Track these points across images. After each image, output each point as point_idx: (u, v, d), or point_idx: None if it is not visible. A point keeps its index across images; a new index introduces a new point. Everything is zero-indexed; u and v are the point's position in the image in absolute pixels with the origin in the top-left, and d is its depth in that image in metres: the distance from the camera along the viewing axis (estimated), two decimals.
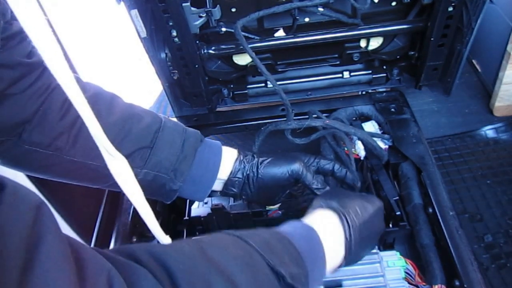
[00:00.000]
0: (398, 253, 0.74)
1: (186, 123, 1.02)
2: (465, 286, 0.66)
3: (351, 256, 0.65)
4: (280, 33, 0.94)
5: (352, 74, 1.03)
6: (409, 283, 0.71)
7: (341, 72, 1.03)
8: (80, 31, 1.99)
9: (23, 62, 0.57)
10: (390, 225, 0.80)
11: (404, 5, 0.91)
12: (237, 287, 0.45)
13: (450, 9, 0.85)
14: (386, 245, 0.80)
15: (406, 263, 0.73)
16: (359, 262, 0.71)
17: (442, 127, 1.17)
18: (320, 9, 0.87)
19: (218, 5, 0.83)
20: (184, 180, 0.71)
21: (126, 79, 1.64)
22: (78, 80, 0.64)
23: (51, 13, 1.00)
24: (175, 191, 0.71)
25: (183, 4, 0.80)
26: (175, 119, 1.03)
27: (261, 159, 0.77)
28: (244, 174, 0.76)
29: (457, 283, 0.67)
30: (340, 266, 0.64)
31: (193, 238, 0.56)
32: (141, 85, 1.54)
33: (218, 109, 1.06)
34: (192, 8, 0.81)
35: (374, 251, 0.73)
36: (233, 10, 0.89)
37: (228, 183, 0.76)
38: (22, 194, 0.32)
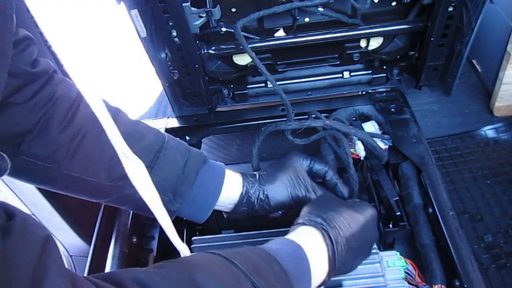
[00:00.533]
0: (398, 253, 0.74)
1: (186, 123, 1.02)
2: (465, 286, 0.66)
3: (341, 269, 0.65)
4: (280, 33, 0.94)
5: (352, 74, 1.03)
6: (409, 283, 0.71)
7: (341, 72, 1.03)
8: (80, 31, 1.99)
9: (27, 71, 0.57)
10: (390, 225, 0.80)
11: (404, 5, 0.91)
12: None
13: (450, 9, 0.85)
14: (386, 245, 0.80)
15: (406, 263, 0.73)
16: None
17: (442, 127, 1.17)
18: (320, 9, 0.87)
19: (218, 5, 0.83)
20: (184, 201, 0.69)
21: (126, 79, 1.64)
22: None
23: (52, 13, 1.00)
24: (173, 212, 0.69)
25: (183, 4, 0.80)
26: (175, 120, 1.04)
27: (265, 187, 0.75)
28: (250, 206, 0.74)
29: (457, 283, 0.67)
30: (324, 282, 0.64)
31: (180, 259, 0.56)
32: (141, 85, 1.54)
33: (218, 109, 1.06)
34: (192, 8, 0.81)
35: (374, 251, 0.73)
36: (233, 10, 0.89)
37: (233, 213, 0.76)
38: (31, 225, 0.32)
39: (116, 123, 0.64)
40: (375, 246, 0.73)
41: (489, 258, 0.91)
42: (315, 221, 0.65)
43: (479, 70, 1.28)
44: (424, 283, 0.71)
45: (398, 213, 0.78)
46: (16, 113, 0.56)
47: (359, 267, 0.70)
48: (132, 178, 0.54)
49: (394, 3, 0.91)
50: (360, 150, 0.89)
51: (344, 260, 0.64)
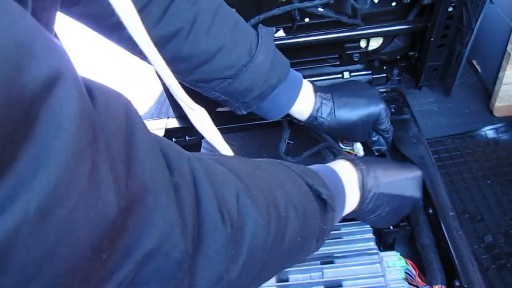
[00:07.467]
0: (398, 253, 0.74)
1: (186, 123, 1.02)
2: (465, 286, 0.66)
3: (373, 214, 0.67)
4: (280, 33, 0.94)
5: (352, 74, 1.03)
6: (409, 283, 0.71)
7: (341, 73, 1.03)
8: (80, 31, 1.99)
9: None
10: (391, 226, 0.80)
11: (404, 5, 0.91)
12: (290, 196, 0.49)
13: (450, 9, 0.85)
14: (386, 246, 0.80)
15: (407, 263, 0.73)
16: (360, 262, 0.71)
17: (442, 128, 1.17)
18: (320, 9, 0.87)
19: None
20: (249, 110, 0.76)
21: (126, 79, 1.64)
22: None
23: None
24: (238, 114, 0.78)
25: None
26: (175, 120, 1.04)
27: (336, 103, 0.79)
28: (319, 120, 0.78)
29: (457, 283, 0.67)
30: (354, 212, 0.66)
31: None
32: (141, 85, 1.54)
33: (218, 110, 1.05)
34: None
35: (374, 251, 0.72)
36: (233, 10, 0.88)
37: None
38: (111, 93, 0.32)
39: (211, 33, 0.66)
40: (375, 246, 0.73)
41: (489, 258, 0.91)
42: (352, 159, 0.67)
43: (479, 70, 1.28)
44: (424, 284, 0.71)
45: None
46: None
47: (359, 267, 0.70)
48: (196, 125, 0.64)
49: (394, 3, 0.91)
50: (359, 150, 0.90)
51: (377, 200, 0.66)
